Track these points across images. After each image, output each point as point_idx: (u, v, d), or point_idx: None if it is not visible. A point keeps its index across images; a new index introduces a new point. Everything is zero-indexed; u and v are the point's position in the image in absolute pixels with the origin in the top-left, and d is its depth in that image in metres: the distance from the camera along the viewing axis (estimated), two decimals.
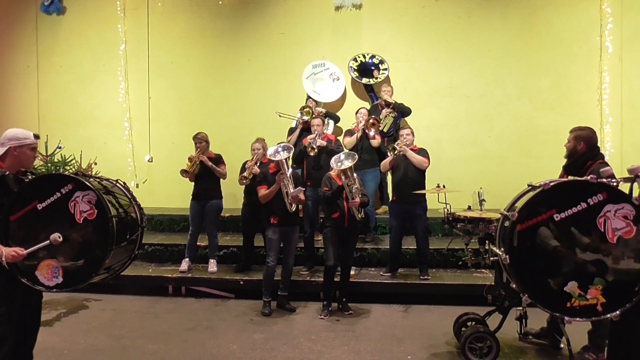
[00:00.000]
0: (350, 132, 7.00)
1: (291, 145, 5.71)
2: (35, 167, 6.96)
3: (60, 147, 7.53)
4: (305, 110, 7.11)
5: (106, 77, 9.02)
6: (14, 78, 9.31)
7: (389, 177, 6.73)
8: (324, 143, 6.41)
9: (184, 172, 6.26)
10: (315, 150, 6.30)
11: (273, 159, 5.56)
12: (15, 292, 3.15)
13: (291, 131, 7.32)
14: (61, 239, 3.07)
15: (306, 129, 7.04)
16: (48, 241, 3.06)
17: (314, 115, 6.98)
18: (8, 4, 9.29)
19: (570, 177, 3.60)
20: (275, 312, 5.59)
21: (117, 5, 8.91)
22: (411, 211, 5.98)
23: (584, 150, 4.10)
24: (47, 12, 9.04)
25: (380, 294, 5.97)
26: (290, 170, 5.59)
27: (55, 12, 9.05)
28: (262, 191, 5.57)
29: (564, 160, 4.28)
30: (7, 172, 3.19)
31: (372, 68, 8.10)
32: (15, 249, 3.03)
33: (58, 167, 7.27)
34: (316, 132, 6.40)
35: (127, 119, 8.98)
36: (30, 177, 3.45)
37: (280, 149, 5.55)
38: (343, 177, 5.39)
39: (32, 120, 8.97)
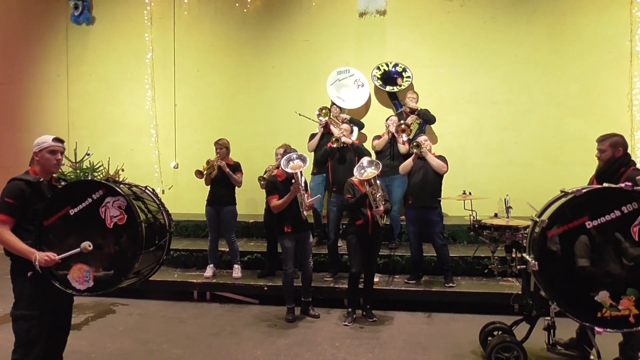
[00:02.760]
0: (379, 137, 7.00)
1: (305, 156, 5.43)
2: (64, 173, 7.12)
3: (88, 154, 7.67)
4: (323, 111, 7.08)
5: (133, 86, 9.21)
6: (45, 86, 9.59)
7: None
8: (350, 140, 6.41)
9: (198, 174, 6.33)
10: (340, 142, 6.29)
11: (286, 169, 5.35)
12: (48, 295, 3.22)
13: (312, 137, 7.29)
14: (91, 247, 3.12)
15: (327, 133, 7.05)
16: (79, 249, 3.12)
17: (340, 121, 7.00)
18: (40, 15, 9.59)
19: (605, 184, 3.53)
20: (298, 318, 5.60)
21: (145, 15, 9.10)
22: (427, 217, 5.93)
23: (621, 155, 4.03)
24: (77, 23, 9.30)
25: (404, 301, 5.92)
26: (303, 178, 5.47)
27: (85, 23, 9.30)
28: (274, 201, 5.42)
29: (593, 167, 4.20)
30: (42, 179, 3.28)
31: (396, 76, 8.06)
32: (48, 254, 3.10)
33: (86, 174, 7.40)
34: (342, 131, 6.41)
35: (154, 126, 9.14)
36: (63, 184, 3.54)
37: (294, 156, 5.40)
38: (367, 186, 5.35)
39: (62, 128, 9.22)
